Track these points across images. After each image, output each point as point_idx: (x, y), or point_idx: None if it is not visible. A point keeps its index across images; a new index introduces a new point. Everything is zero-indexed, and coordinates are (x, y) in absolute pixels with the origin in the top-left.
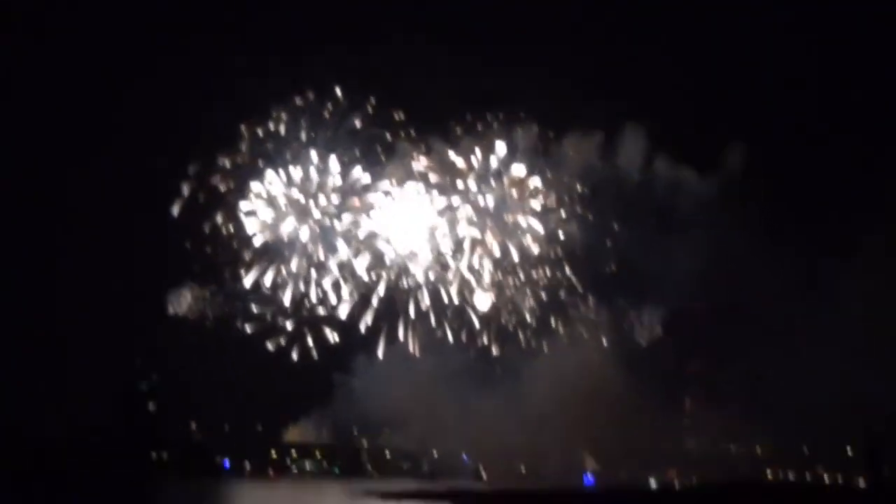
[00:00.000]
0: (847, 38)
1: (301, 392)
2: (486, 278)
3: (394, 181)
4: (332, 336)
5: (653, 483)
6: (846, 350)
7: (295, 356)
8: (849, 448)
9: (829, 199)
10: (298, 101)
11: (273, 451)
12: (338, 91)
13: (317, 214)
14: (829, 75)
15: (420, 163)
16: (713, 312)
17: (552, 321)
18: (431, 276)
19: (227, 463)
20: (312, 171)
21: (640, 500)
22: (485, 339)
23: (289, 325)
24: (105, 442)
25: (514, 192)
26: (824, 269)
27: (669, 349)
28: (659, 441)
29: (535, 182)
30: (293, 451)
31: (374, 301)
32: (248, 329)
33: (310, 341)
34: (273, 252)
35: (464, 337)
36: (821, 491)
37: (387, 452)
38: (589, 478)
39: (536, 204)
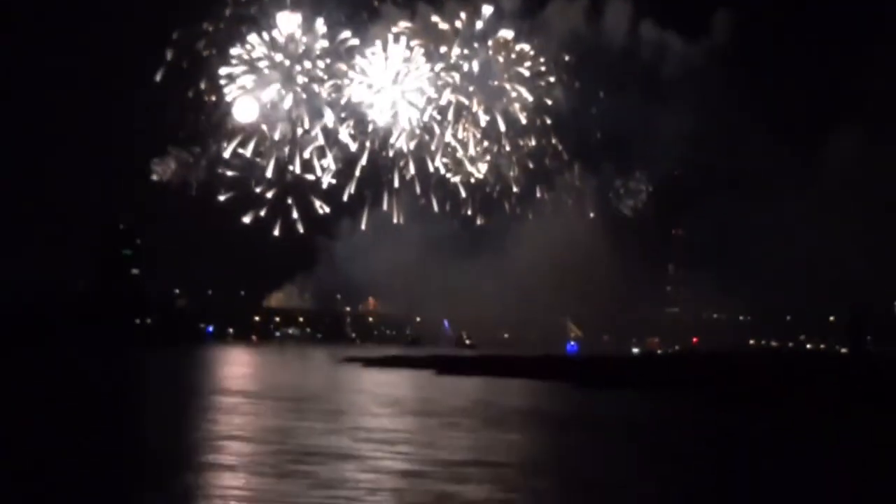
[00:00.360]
0: None
1: (285, 258)
2: (471, 146)
3: (378, 45)
4: (318, 206)
5: (635, 350)
6: (833, 222)
7: (277, 229)
8: (832, 318)
9: (814, 66)
10: None
11: (256, 317)
12: None
13: (301, 79)
14: None
15: (404, 27)
16: (699, 177)
17: (537, 189)
18: (413, 145)
19: (210, 329)
20: (297, 34)
21: (621, 367)
22: (469, 209)
23: (271, 194)
24: (89, 304)
25: (499, 58)
26: (813, 140)
27: (654, 216)
28: (642, 309)
29: (521, 47)
30: (276, 317)
31: (358, 169)
32: (232, 196)
33: (294, 212)
34: (257, 117)
35: (448, 206)
36: (803, 357)
37: (370, 319)
38: (572, 345)
39: (522, 70)
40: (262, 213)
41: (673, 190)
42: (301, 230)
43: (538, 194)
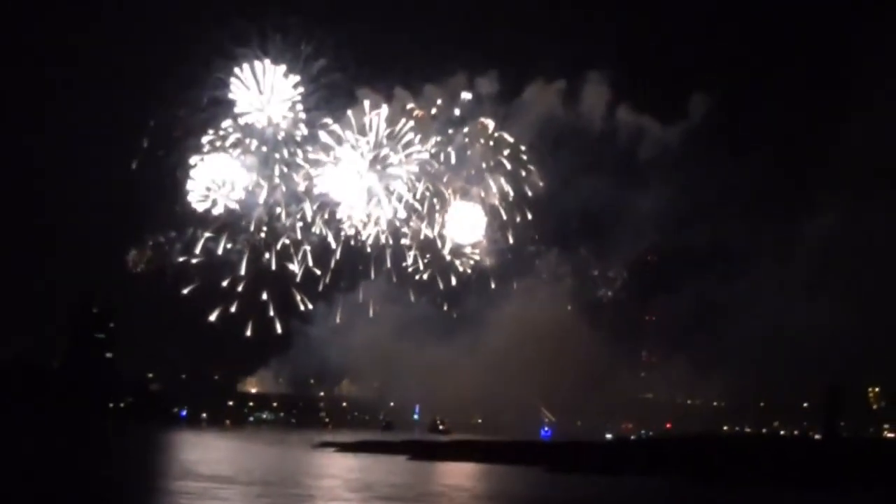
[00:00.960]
0: None
1: (259, 342)
2: (448, 230)
3: (354, 134)
4: (298, 299)
5: (608, 435)
6: (807, 307)
7: (249, 328)
8: (805, 404)
9: (790, 147)
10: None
11: (230, 402)
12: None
13: (276, 167)
14: (791, 27)
15: (381, 112)
16: (676, 260)
17: (515, 274)
18: (389, 235)
19: (183, 413)
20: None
21: (594, 452)
22: (444, 298)
23: (242, 287)
24: (62, 386)
25: (477, 145)
26: (787, 220)
27: (629, 301)
28: (616, 393)
29: (499, 134)
30: (250, 402)
31: (333, 261)
32: (203, 286)
33: (270, 309)
34: (234, 206)
35: (423, 293)
36: (777, 442)
37: (344, 403)
38: (546, 430)
39: (500, 156)
40: (233, 308)
41: (647, 274)
42: (278, 328)
43: (515, 279)
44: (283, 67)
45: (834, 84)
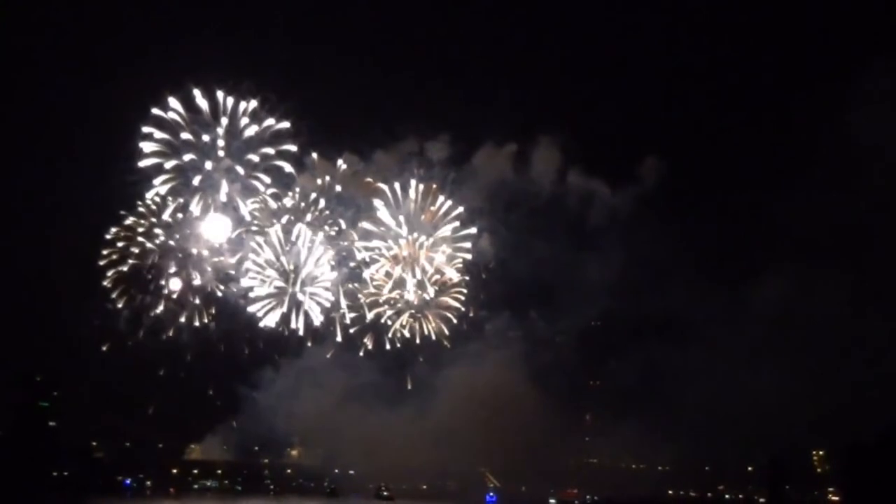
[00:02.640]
0: (763, 52)
1: (205, 409)
2: (397, 296)
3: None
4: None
5: (552, 501)
6: (754, 372)
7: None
8: (749, 467)
9: (742, 213)
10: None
11: (174, 469)
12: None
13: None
14: (743, 90)
15: (329, 179)
16: (624, 324)
17: (464, 337)
18: (339, 296)
19: (127, 482)
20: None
21: None
22: (391, 359)
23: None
24: (3, 454)
25: (426, 210)
26: (736, 287)
27: (576, 366)
28: (561, 458)
29: (448, 199)
30: (194, 469)
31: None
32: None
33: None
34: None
35: (367, 356)
36: None
37: (288, 470)
38: (491, 496)
39: (449, 220)
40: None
41: (594, 339)
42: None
43: (464, 344)
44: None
45: (786, 149)
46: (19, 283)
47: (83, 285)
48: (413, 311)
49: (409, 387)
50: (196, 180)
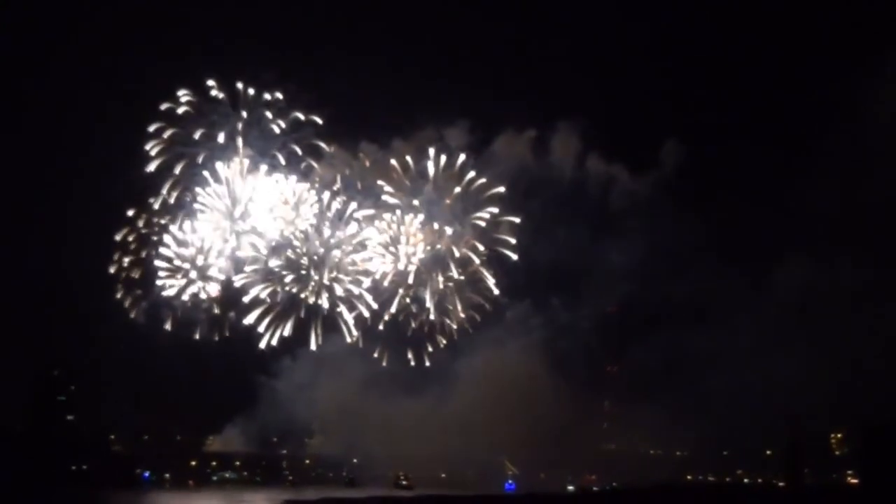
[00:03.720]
0: (780, 38)
1: (223, 400)
2: (419, 281)
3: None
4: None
5: (570, 487)
6: (772, 356)
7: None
8: (768, 451)
9: (762, 200)
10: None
11: (193, 462)
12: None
13: (243, 226)
14: (763, 76)
15: (349, 167)
16: (643, 310)
17: (485, 324)
18: (361, 282)
19: (146, 475)
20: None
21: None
22: (411, 351)
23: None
24: (23, 448)
25: (447, 195)
26: (756, 272)
27: (594, 352)
28: (580, 445)
29: (469, 182)
30: (213, 461)
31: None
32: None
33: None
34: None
35: (387, 344)
36: (741, 490)
37: (307, 461)
38: (510, 484)
39: (469, 205)
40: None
41: (614, 325)
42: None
43: (485, 331)
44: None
45: (807, 135)
46: (35, 280)
47: (99, 281)
48: (437, 297)
49: (428, 363)
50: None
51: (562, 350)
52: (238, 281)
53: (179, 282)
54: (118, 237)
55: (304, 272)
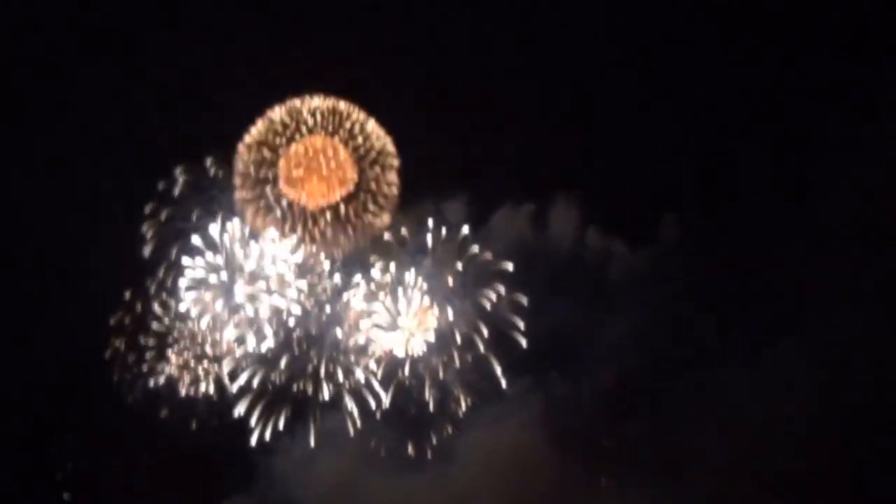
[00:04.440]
0: (780, 106)
1: (219, 478)
2: (419, 365)
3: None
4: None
5: None
6: (773, 431)
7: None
8: None
9: (765, 272)
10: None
11: None
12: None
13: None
14: (762, 144)
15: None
16: (641, 386)
17: (485, 399)
18: (356, 358)
19: None
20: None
21: None
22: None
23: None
24: None
25: (447, 271)
26: (758, 347)
27: (597, 425)
28: None
29: (471, 258)
30: None
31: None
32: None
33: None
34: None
35: (387, 421)
36: None
37: None
38: None
39: (471, 281)
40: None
41: (610, 399)
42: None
43: (484, 406)
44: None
45: (806, 204)
46: (34, 359)
47: (97, 364)
48: (437, 386)
49: (430, 456)
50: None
51: (561, 425)
52: (226, 366)
53: (174, 367)
54: (113, 321)
55: (299, 354)
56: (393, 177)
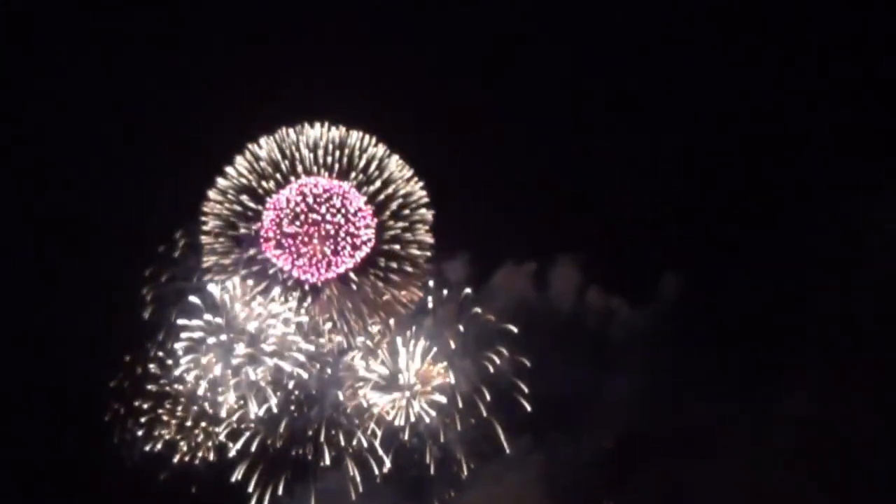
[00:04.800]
0: (785, 164)
1: None
2: (417, 416)
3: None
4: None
5: None
6: (777, 489)
7: None
8: None
9: (763, 326)
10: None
11: None
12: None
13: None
14: (763, 201)
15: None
16: (642, 442)
17: (484, 458)
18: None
19: None
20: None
21: None
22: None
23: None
24: None
25: (448, 332)
26: (758, 401)
27: (599, 485)
28: None
29: (473, 318)
30: None
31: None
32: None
33: None
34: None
35: (387, 481)
36: None
37: None
38: None
39: (472, 343)
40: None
41: (611, 459)
42: None
43: (484, 465)
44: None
45: (806, 262)
46: (32, 419)
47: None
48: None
49: None
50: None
51: (562, 485)
52: (224, 429)
53: (173, 430)
54: (113, 383)
55: (299, 417)
56: (425, 236)
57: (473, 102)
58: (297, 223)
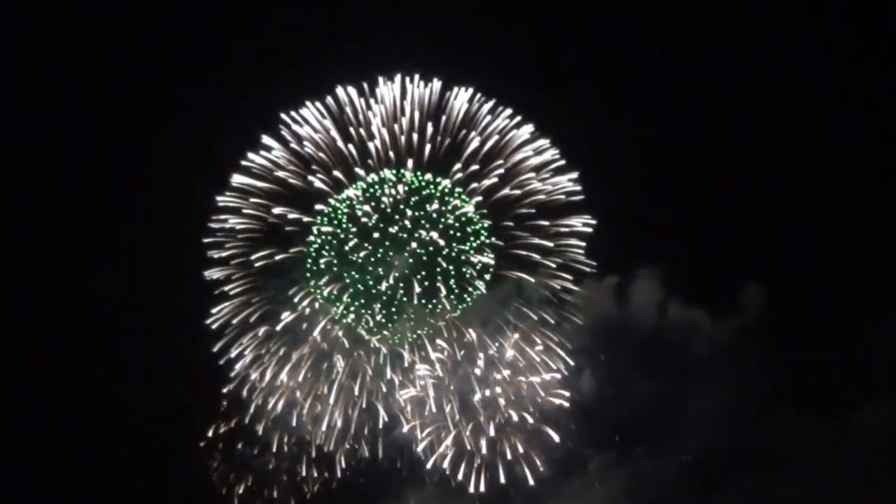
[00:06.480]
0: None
1: None
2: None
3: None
4: None
5: None
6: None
7: None
8: None
9: (845, 338)
10: None
11: None
12: None
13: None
14: (846, 214)
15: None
16: (726, 461)
17: (566, 474)
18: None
19: None
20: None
21: None
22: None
23: None
24: None
25: (526, 346)
26: (844, 416)
27: (682, 500)
28: None
29: (549, 335)
30: None
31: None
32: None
33: None
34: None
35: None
36: None
37: None
38: None
39: (550, 357)
40: None
41: (693, 474)
42: None
43: (566, 482)
44: None
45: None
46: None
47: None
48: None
49: None
50: None
51: (644, 500)
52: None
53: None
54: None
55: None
56: None
57: (544, 115)
58: None
